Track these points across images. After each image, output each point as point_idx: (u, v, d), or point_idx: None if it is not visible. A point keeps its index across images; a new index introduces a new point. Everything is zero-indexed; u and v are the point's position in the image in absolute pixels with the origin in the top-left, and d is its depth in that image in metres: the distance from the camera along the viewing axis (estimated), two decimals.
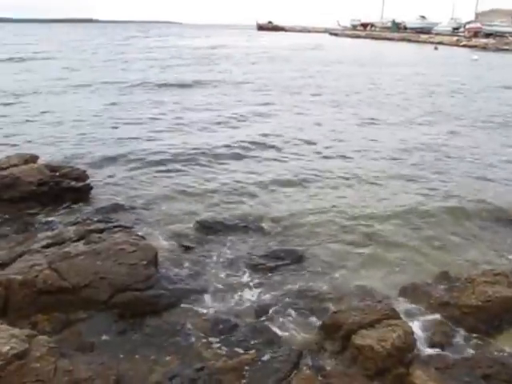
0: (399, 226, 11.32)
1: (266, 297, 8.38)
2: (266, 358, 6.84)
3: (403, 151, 17.95)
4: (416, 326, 7.40)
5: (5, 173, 12.05)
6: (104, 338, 7.13)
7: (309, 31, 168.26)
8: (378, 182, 14.45)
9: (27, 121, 21.64)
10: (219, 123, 22.05)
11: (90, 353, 6.61)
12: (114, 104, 26.21)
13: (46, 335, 6.39)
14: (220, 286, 8.63)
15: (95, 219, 10.45)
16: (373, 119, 24.20)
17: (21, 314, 7.25)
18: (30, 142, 17.86)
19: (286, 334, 7.46)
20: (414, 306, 8.06)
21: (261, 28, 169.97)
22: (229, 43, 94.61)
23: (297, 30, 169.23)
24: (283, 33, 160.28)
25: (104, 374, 5.92)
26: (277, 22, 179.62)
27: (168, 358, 6.85)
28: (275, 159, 16.63)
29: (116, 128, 20.56)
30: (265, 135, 19.68)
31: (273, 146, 18.20)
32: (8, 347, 5.60)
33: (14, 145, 17.17)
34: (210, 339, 7.27)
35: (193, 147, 17.37)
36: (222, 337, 7.30)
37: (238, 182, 14.01)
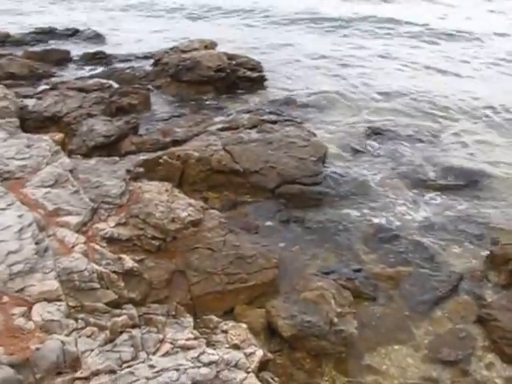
0: None
1: (432, 215, 7.91)
2: (424, 274, 6.60)
3: None
4: None
5: (187, 56, 12.49)
6: (268, 223, 7.34)
7: None
8: None
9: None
10: None
11: (255, 234, 6.86)
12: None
13: (216, 210, 6.71)
14: (385, 195, 8.30)
15: (268, 110, 10.50)
16: None
17: (194, 187, 7.70)
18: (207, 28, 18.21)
19: (449, 255, 7.05)
20: None
21: None
22: None
23: None
24: None
25: (266, 256, 6.11)
26: None
27: (326, 254, 6.89)
28: None
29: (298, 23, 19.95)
30: None
31: None
32: (186, 213, 5.98)
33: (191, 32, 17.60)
34: (370, 245, 7.14)
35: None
36: (383, 245, 7.13)
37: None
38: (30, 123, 9.67)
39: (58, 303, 4.43)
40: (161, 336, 4.43)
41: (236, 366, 4.11)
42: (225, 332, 4.94)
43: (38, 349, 3.88)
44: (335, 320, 5.32)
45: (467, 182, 8.76)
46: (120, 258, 5.37)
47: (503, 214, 8.04)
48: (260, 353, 4.43)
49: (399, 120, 11.09)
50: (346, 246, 7.07)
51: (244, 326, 5.04)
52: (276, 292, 6.07)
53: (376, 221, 7.63)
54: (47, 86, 12.02)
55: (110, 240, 5.71)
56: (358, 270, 6.50)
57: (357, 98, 12.29)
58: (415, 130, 10.57)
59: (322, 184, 8.03)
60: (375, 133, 10.20)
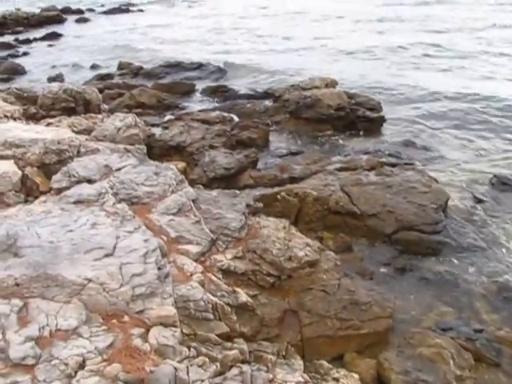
0: None
1: None
2: None
3: None
4: None
5: (308, 93, 12.68)
6: (383, 270, 7.12)
7: None
8: None
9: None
10: None
11: (370, 280, 6.66)
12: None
13: (332, 252, 6.63)
14: (507, 252, 7.72)
15: (387, 152, 10.33)
16: None
17: (310, 226, 7.68)
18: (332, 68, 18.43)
19: None
20: None
21: None
22: None
23: None
24: None
25: (381, 304, 5.90)
26: None
27: (443, 309, 6.51)
28: None
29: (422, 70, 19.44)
30: None
31: None
32: (303, 253, 5.96)
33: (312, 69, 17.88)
34: (493, 304, 6.63)
35: None
36: (507, 306, 6.57)
37: None
38: (156, 151, 10.30)
39: (174, 329, 4.56)
40: (271, 376, 4.38)
41: None
42: (336, 380, 4.81)
43: (152, 371, 3.98)
44: (454, 383, 4.99)
45: None
46: (234, 291, 5.44)
47: None
48: None
49: None
50: (466, 301, 6.63)
51: (356, 376, 4.89)
52: (388, 343, 5.82)
53: (500, 279, 7.08)
54: (173, 117, 12.81)
55: (226, 272, 5.81)
56: (480, 331, 6.03)
57: (481, 144, 11.69)
58: None
59: (441, 233, 7.66)
60: (502, 183, 9.59)
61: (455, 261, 7.41)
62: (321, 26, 29.86)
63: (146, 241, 5.44)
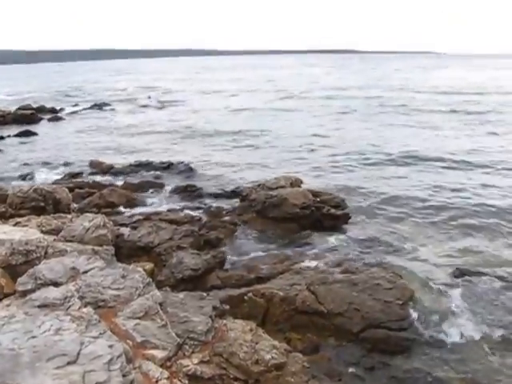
0: None
1: None
2: None
3: None
4: None
5: (274, 193, 13.04)
6: (351, 369, 7.07)
7: None
8: None
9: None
10: None
11: (338, 382, 6.61)
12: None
13: (299, 353, 6.59)
14: (474, 345, 7.76)
15: (352, 249, 10.57)
16: None
17: (277, 327, 7.67)
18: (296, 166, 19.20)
19: None
20: None
21: None
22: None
23: None
24: None
25: None
26: None
27: None
28: None
29: (377, 164, 20.50)
30: None
31: None
32: (269, 356, 5.92)
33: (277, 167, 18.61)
34: None
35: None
36: None
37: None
38: (124, 251, 10.29)
39: None
40: None
41: None
42: None
43: None
44: None
45: None
46: None
47: None
48: None
49: (494, 261, 10.75)
50: None
51: None
52: None
53: (469, 375, 7.08)
54: (142, 216, 12.89)
55: (193, 377, 5.70)
56: None
57: (442, 238, 12.13)
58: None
59: (408, 329, 7.74)
60: (463, 274, 9.85)
61: (423, 357, 7.43)
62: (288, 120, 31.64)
63: (110, 347, 5.34)
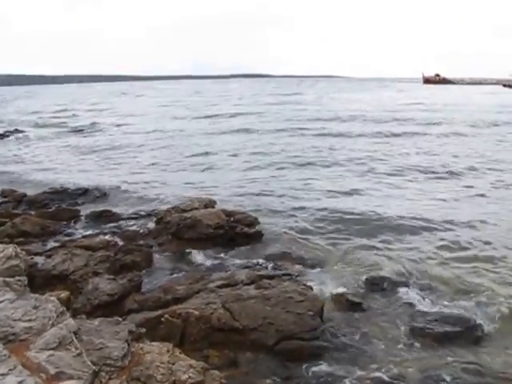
0: None
1: (430, 371, 7.70)
2: None
3: None
4: None
5: (188, 215, 13.24)
6: (269, 381, 7.34)
7: (480, 83, 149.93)
8: None
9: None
10: None
11: None
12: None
13: (217, 370, 6.77)
14: (383, 348, 8.32)
15: (265, 265, 10.95)
16: None
17: (195, 346, 7.81)
18: (212, 186, 19.59)
19: None
20: None
21: (427, 81, 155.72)
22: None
23: (465, 83, 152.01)
24: (450, 86, 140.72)
25: None
26: (446, 74, 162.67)
27: None
28: None
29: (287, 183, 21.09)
30: None
31: None
32: (187, 376, 6.04)
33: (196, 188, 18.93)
34: None
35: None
36: None
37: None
38: (39, 280, 10.04)
39: None
40: None
41: None
42: None
43: None
44: None
45: (463, 328, 8.75)
46: None
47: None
48: None
49: (397, 269, 11.38)
50: None
51: None
52: None
53: (376, 374, 7.57)
54: (57, 244, 12.61)
55: None
56: None
57: (351, 249, 12.72)
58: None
59: (320, 338, 8.15)
60: (373, 283, 10.47)
61: (336, 364, 7.79)
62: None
63: (20, 383, 5.25)
